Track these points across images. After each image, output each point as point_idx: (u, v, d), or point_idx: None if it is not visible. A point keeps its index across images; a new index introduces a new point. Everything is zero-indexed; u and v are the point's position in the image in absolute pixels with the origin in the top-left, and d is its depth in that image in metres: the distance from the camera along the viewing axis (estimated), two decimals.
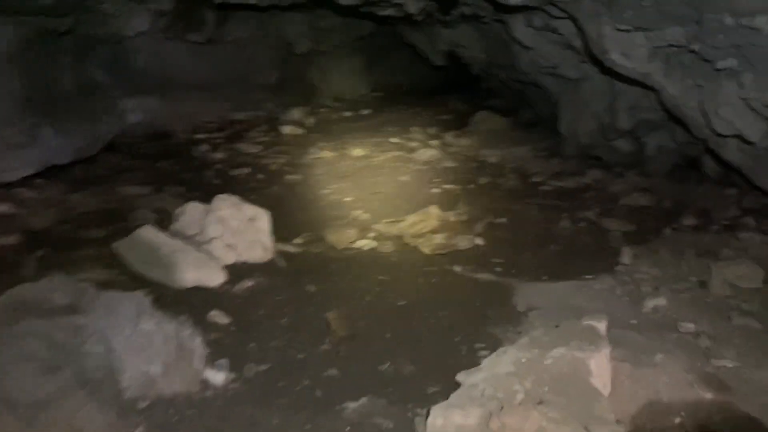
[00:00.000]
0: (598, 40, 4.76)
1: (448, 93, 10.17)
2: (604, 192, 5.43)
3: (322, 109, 9.09)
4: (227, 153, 6.69)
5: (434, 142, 7.14)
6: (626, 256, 3.93)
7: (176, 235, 3.89)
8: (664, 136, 5.85)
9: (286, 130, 7.68)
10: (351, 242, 4.27)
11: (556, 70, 6.50)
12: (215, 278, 3.48)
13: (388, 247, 4.20)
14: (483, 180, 5.87)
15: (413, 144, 7.07)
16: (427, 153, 6.62)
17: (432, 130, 7.78)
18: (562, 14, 5.05)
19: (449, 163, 6.41)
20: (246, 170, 6.10)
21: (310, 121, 8.35)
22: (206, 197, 5.19)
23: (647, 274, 3.67)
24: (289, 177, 5.94)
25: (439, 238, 4.07)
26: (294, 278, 3.65)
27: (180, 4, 6.96)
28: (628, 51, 4.69)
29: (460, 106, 9.40)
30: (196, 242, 3.79)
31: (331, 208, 5.10)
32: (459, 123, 8.15)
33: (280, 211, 4.87)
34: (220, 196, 3.90)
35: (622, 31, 4.58)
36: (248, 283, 3.50)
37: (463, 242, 4.07)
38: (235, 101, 8.65)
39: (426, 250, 4.01)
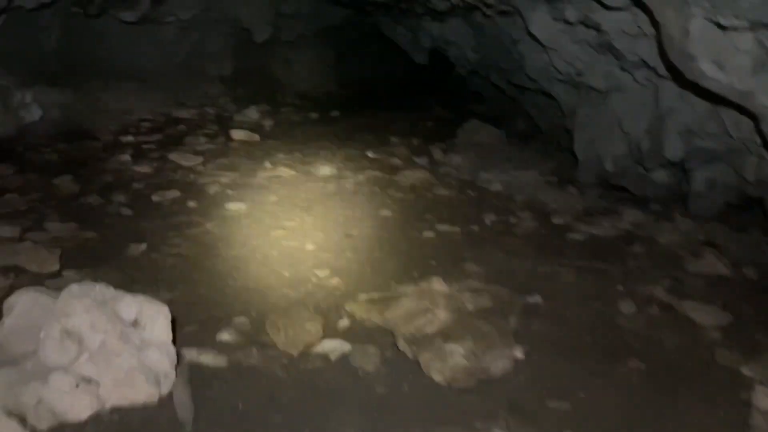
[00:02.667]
0: (681, 41, 3.00)
1: (429, 94, 8.34)
2: (655, 246, 3.72)
3: (284, 109, 7.13)
4: (155, 165, 4.71)
5: (421, 160, 5.31)
6: (759, 395, 2.22)
7: None
8: (721, 169, 4.17)
9: (238, 135, 5.71)
10: (310, 344, 2.44)
11: (578, 78, 4.75)
12: None
13: (370, 358, 2.37)
14: (489, 218, 4.10)
15: (395, 161, 5.22)
16: (414, 175, 4.79)
17: (416, 141, 5.95)
18: (624, 2, 3.27)
19: (442, 191, 4.61)
20: (174, 194, 4.15)
21: (269, 123, 6.40)
22: (104, 242, 3.33)
23: None
24: (231, 206, 4.02)
25: (456, 353, 2.27)
26: None
27: None
28: (724, 58, 2.96)
29: (443, 111, 7.59)
30: (26, 374, 1.90)
31: (285, 263, 3.23)
32: (445, 133, 6.32)
33: (204, 273, 3.02)
34: (73, 288, 1.97)
35: (725, 28, 2.84)
36: None
37: (497, 361, 2.28)
38: (179, 95, 6.63)
39: (438, 378, 2.21)
